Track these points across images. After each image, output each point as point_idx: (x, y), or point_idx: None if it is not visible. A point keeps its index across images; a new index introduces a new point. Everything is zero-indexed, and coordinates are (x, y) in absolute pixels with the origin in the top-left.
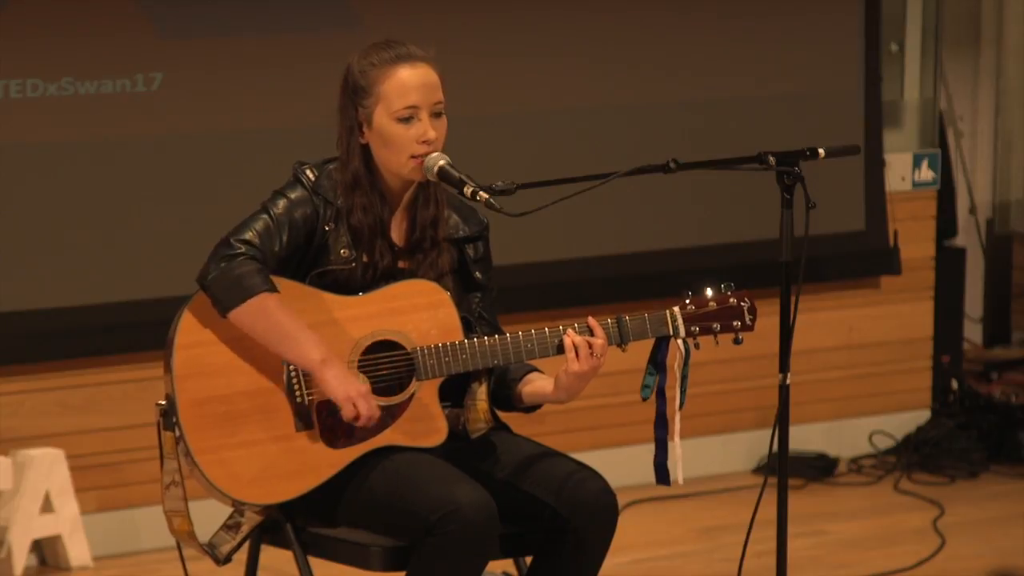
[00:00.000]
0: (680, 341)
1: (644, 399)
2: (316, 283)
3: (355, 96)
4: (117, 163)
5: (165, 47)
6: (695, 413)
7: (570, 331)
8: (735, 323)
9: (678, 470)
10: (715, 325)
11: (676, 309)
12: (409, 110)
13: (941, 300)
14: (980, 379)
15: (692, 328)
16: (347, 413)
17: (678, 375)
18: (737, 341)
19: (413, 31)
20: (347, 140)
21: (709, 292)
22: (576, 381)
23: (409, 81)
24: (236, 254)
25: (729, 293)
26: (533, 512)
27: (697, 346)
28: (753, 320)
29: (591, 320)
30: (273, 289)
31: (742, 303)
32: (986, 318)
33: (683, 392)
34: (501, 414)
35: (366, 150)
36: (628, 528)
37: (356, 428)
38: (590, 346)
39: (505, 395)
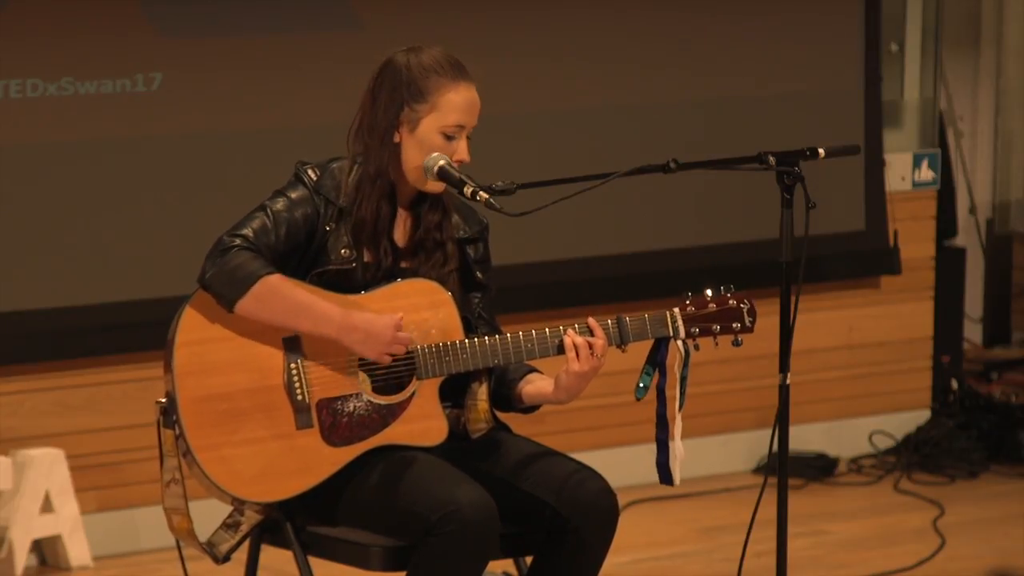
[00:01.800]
0: (680, 342)
1: (638, 399)
2: (316, 283)
3: (408, 94)
4: (117, 163)
5: (165, 47)
6: (695, 413)
7: (570, 331)
8: (735, 325)
9: (676, 471)
10: (715, 327)
11: (676, 310)
12: (456, 129)
13: (941, 300)
14: (980, 379)
15: (692, 329)
16: (386, 362)
17: (678, 376)
18: (736, 343)
19: (414, 32)
20: (381, 133)
21: (709, 293)
22: (576, 381)
23: (464, 101)
24: (230, 247)
25: (729, 295)
26: (533, 512)
27: (697, 347)
28: (753, 322)
29: (591, 320)
30: (272, 271)
31: (742, 305)
32: (986, 318)
33: (683, 393)
34: (500, 414)
35: (396, 148)
36: (628, 528)
37: (356, 427)
38: (590, 346)
39: (505, 395)
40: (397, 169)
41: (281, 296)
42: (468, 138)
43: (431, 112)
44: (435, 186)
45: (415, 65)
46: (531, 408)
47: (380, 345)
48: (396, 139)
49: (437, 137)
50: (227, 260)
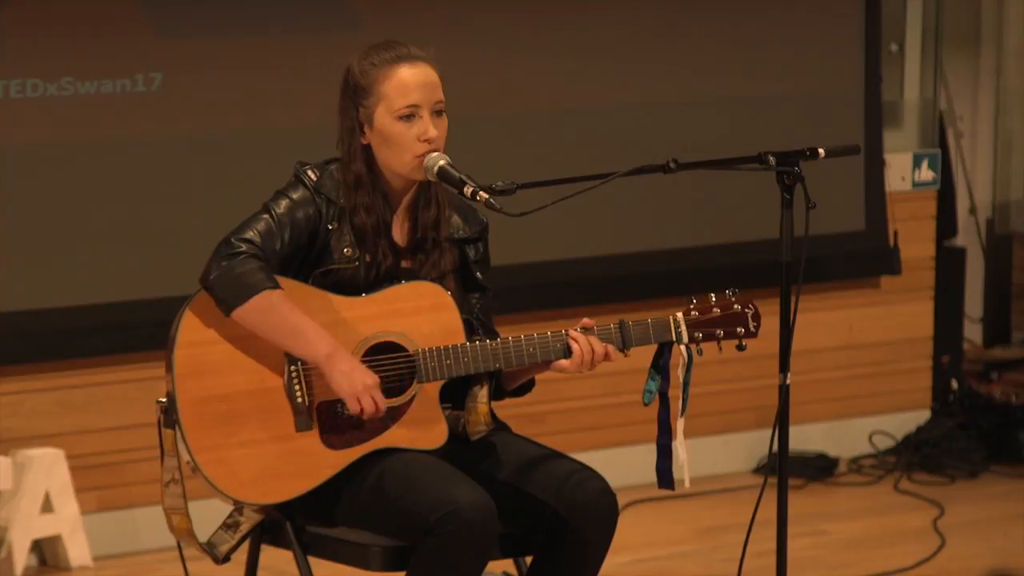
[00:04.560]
0: (683, 347)
1: (646, 404)
2: (319, 282)
3: (356, 96)
4: (117, 163)
5: (165, 47)
6: (695, 413)
7: (577, 334)
8: (739, 329)
9: (684, 474)
10: (718, 331)
11: (679, 315)
12: (410, 108)
13: (941, 300)
14: (980, 379)
15: (695, 334)
16: (352, 408)
17: (680, 380)
18: (740, 348)
19: (413, 31)
20: (348, 141)
21: (713, 298)
22: (559, 371)
23: (410, 80)
24: (238, 253)
25: (734, 299)
26: (533, 512)
27: (700, 352)
28: (757, 327)
29: (586, 321)
30: (276, 286)
31: (746, 309)
32: (986, 318)
33: (686, 398)
34: (499, 411)
35: (367, 150)
36: (628, 528)
37: (356, 430)
38: (592, 353)
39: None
40: (376, 170)
41: (279, 314)
42: (440, 113)
43: (379, 103)
44: (419, 175)
45: (356, 67)
46: (520, 390)
47: (358, 384)
48: (364, 141)
49: (395, 124)
50: (234, 265)
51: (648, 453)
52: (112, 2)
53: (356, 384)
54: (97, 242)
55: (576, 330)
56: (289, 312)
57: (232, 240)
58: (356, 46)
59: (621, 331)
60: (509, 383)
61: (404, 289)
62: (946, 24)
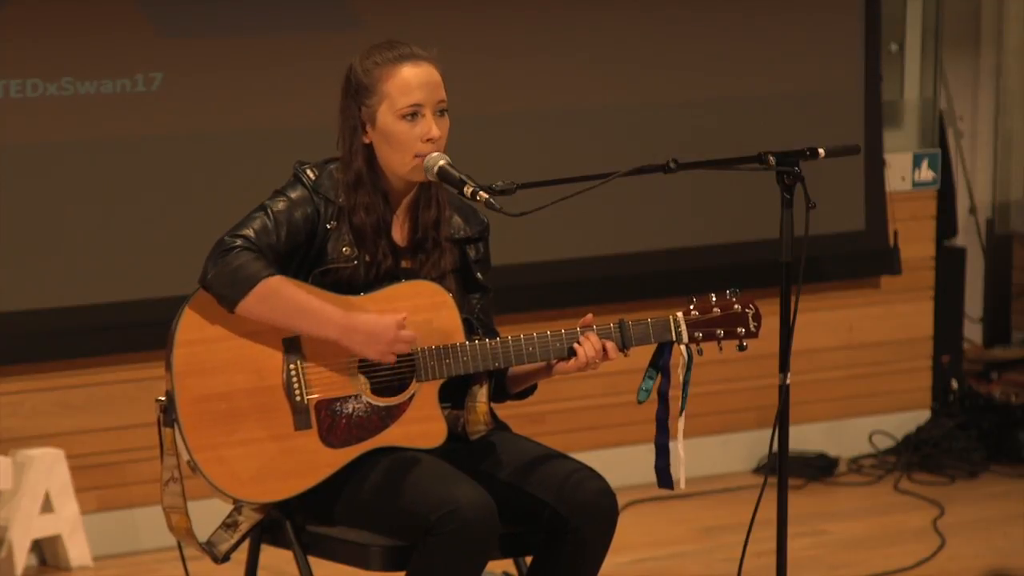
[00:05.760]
0: (683, 347)
1: (640, 402)
2: (318, 282)
3: (358, 95)
4: (117, 163)
5: (165, 47)
6: (694, 413)
7: (589, 339)
8: (739, 330)
9: (680, 474)
10: (719, 331)
11: (680, 314)
12: (413, 107)
13: (941, 300)
14: (980, 379)
15: (695, 334)
16: (390, 362)
17: (681, 380)
18: (741, 348)
19: (413, 31)
20: (349, 140)
21: (713, 297)
22: (562, 374)
23: (413, 79)
24: (231, 248)
25: (734, 299)
26: (533, 512)
27: (700, 352)
28: (758, 327)
29: (589, 318)
30: (273, 272)
31: (747, 309)
32: (986, 318)
33: (684, 397)
34: (499, 411)
35: (368, 150)
36: (628, 528)
37: (354, 428)
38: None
39: (498, 381)
40: (377, 170)
41: (283, 297)
42: (442, 113)
43: (383, 102)
44: (418, 176)
45: (359, 66)
46: (523, 393)
47: (382, 345)
48: (366, 140)
49: (399, 123)
50: (229, 261)
51: (648, 453)
52: (112, 2)
53: (379, 346)
54: (97, 242)
55: (579, 330)
56: (293, 293)
57: (225, 238)
58: (356, 46)
59: (621, 331)
60: (513, 386)
61: (403, 288)
62: (946, 24)
